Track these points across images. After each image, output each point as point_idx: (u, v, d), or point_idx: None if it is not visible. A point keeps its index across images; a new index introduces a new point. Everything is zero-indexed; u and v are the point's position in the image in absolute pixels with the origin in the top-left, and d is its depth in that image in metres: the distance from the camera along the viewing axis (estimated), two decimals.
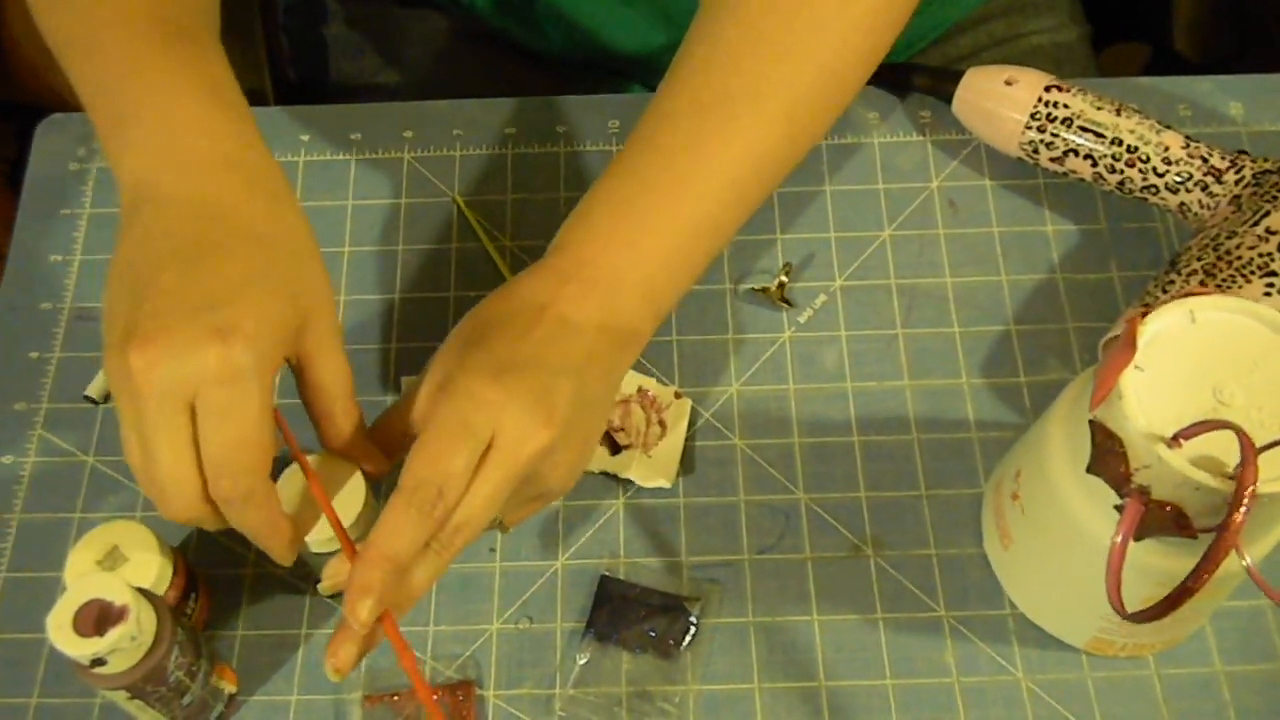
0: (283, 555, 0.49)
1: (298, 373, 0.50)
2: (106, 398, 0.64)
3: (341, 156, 0.71)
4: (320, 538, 0.51)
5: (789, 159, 0.56)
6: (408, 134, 0.71)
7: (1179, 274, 0.57)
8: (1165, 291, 0.57)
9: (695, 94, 0.54)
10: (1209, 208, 0.61)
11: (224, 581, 0.59)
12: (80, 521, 0.61)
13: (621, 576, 0.57)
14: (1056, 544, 0.51)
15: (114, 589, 0.46)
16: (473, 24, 0.80)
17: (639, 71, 0.79)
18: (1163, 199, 0.62)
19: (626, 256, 0.52)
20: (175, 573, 0.54)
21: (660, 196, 0.53)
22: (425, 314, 0.66)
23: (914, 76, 0.69)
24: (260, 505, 0.46)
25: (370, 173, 0.70)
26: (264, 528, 0.47)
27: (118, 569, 0.52)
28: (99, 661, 0.46)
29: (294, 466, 0.52)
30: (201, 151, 0.50)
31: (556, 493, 0.52)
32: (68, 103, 0.97)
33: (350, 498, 0.51)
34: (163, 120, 0.50)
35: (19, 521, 0.61)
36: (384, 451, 0.52)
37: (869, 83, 0.61)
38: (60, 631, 0.45)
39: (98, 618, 0.45)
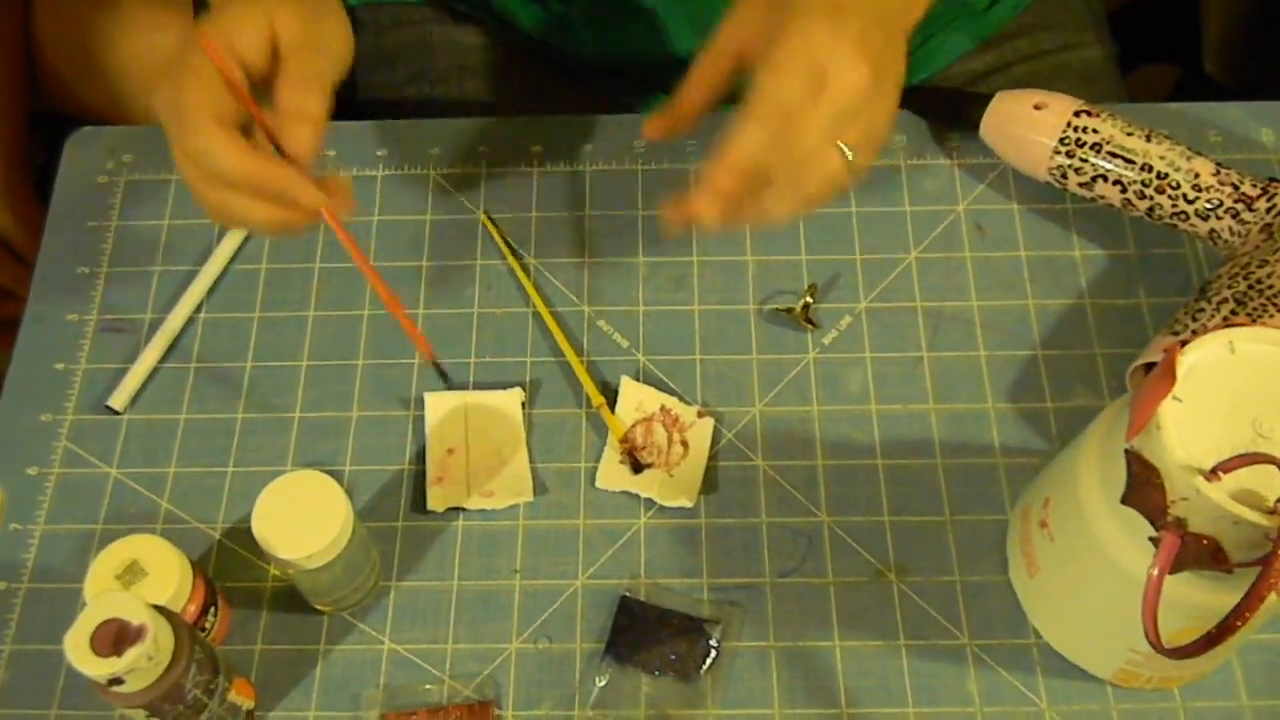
0: (305, 195, 0.53)
1: (275, 81, 0.54)
2: (128, 408, 0.64)
3: (368, 172, 0.71)
4: (313, 552, 0.51)
5: None
6: (434, 151, 0.72)
7: (1209, 302, 0.57)
8: (1195, 319, 0.57)
9: None
10: (1239, 235, 0.60)
11: (243, 595, 0.59)
12: (102, 533, 0.61)
13: (642, 597, 0.57)
14: (1086, 574, 0.50)
15: (131, 608, 0.46)
16: (503, 35, 0.80)
17: (672, 78, 0.79)
18: (1192, 226, 0.62)
19: None
20: (194, 587, 0.54)
21: None
22: (449, 329, 0.65)
23: (941, 100, 0.69)
24: (221, 150, 0.51)
25: (396, 189, 0.70)
26: (243, 167, 0.52)
27: (137, 583, 0.52)
28: (117, 681, 0.46)
29: (272, 483, 0.53)
30: None
31: (883, 130, 0.53)
32: (95, 114, 0.99)
33: (331, 513, 0.52)
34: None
35: (42, 532, 0.61)
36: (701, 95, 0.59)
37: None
38: (78, 651, 0.45)
39: (115, 637, 0.45)
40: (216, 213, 0.54)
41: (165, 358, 0.66)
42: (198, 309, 0.67)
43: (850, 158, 0.52)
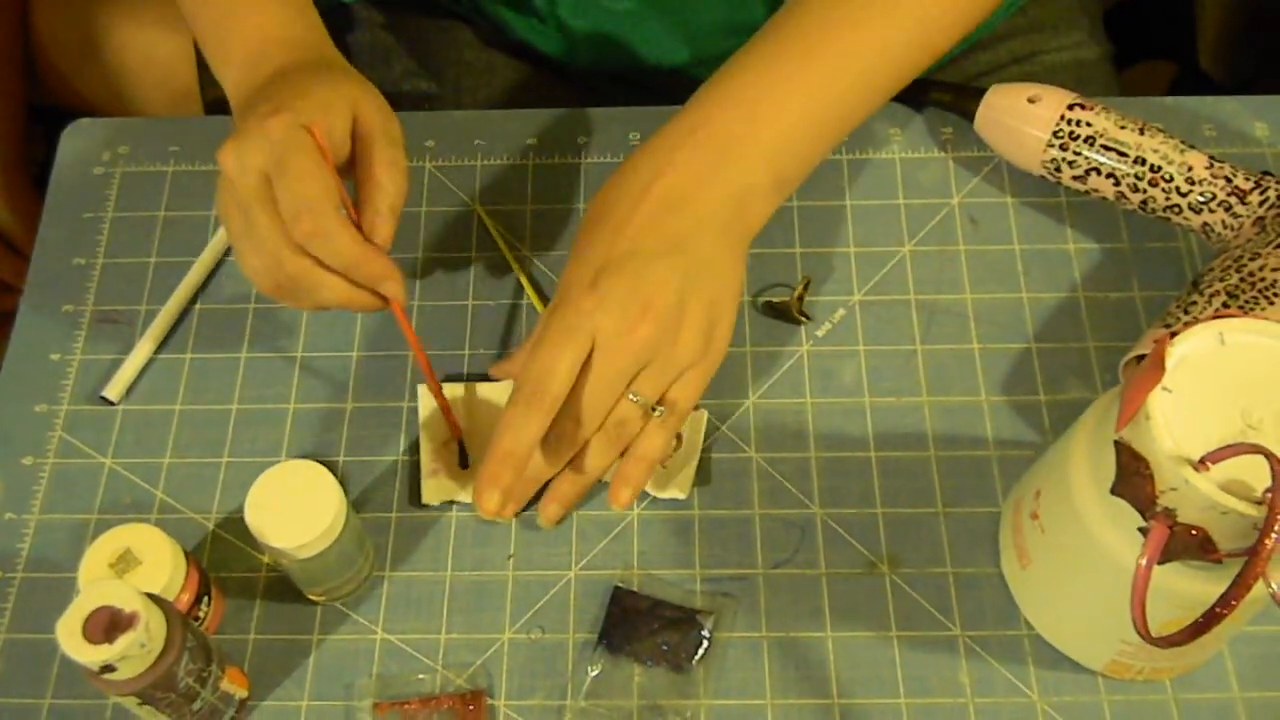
0: (393, 287, 0.54)
1: (355, 167, 0.55)
2: (123, 398, 0.64)
3: None
4: (305, 541, 0.52)
5: (918, 60, 0.59)
6: (429, 143, 0.72)
7: (1201, 295, 0.57)
8: (1187, 312, 0.57)
9: None
10: (1232, 228, 0.60)
11: (237, 585, 0.59)
12: (97, 523, 0.61)
13: (635, 588, 0.57)
14: (1077, 565, 0.50)
15: (124, 596, 0.46)
16: (500, 35, 0.81)
17: (664, 86, 0.79)
18: (1186, 219, 0.62)
19: (743, 116, 0.55)
20: (188, 576, 0.54)
21: (786, 69, 0.56)
22: (443, 321, 0.66)
23: (936, 92, 0.69)
24: (341, 236, 0.52)
25: None
26: (353, 254, 0.52)
27: (131, 572, 0.52)
28: (108, 668, 0.46)
29: (266, 473, 0.54)
30: (278, 58, 0.58)
31: (699, 360, 0.54)
32: (94, 106, 0.99)
33: (324, 502, 0.52)
34: (251, 40, 0.59)
35: (37, 522, 0.61)
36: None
37: (891, 98, 0.61)
38: (70, 638, 0.45)
39: (107, 624, 0.45)
40: (288, 282, 0.53)
41: (160, 349, 0.66)
42: (193, 300, 0.67)
43: (654, 411, 0.54)
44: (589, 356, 0.53)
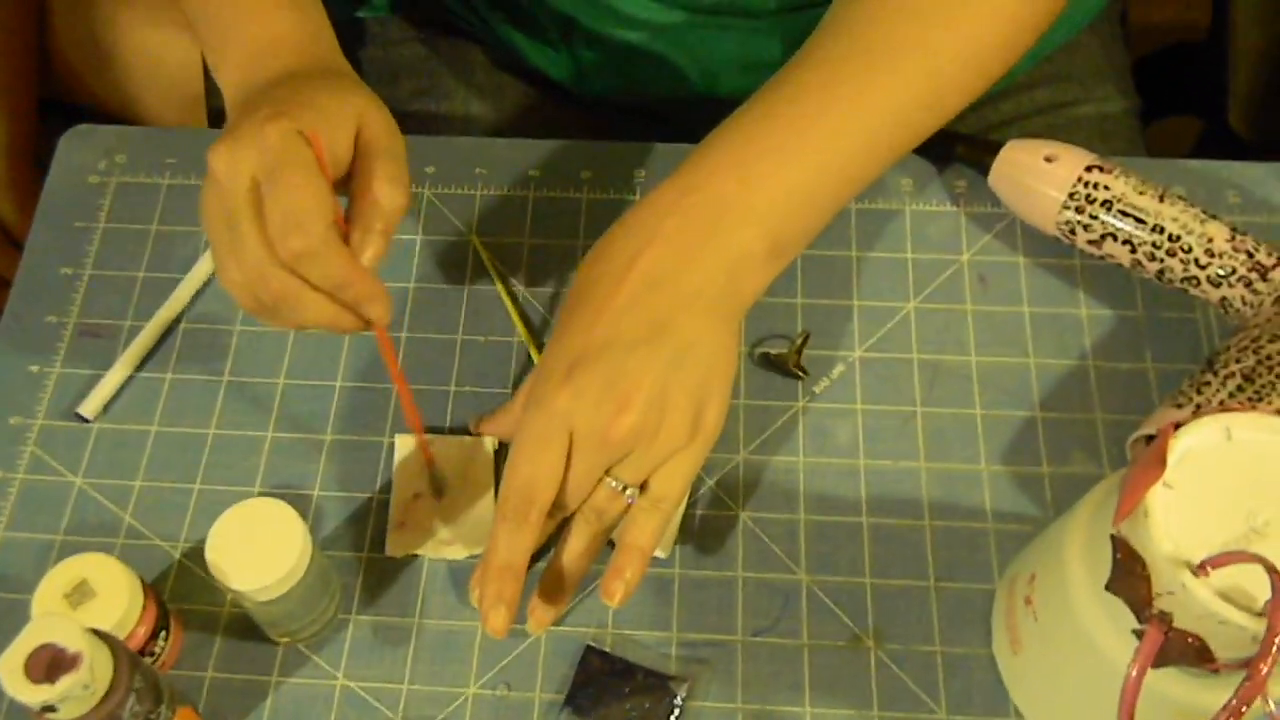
0: (379, 310, 0.51)
1: (353, 180, 0.52)
2: (99, 416, 0.63)
3: None
4: (266, 583, 0.50)
5: (923, 124, 0.56)
6: (429, 169, 0.70)
7: (1215, 375, 0.54)
8: (1200, 392, 0.54)
9: (833, 47, 0.55)
10: (1252, 305, 0.58)
11: (199, 619, 0.57)
12: (62, 544, 0.59)
13: (608, 648, 0.55)
14: (1068, 658, 0.48)
15: (69, 634, 0.44)
16: (512, 59, 0.79)
17: (679, 117, 0.78)
18: (1204, 291, 0.59)
19: (737, 179, 0.52)
20: (145, 610, 0.52)
21: (784, 132, 0.53)
22: (430, 355, 0.64)
23: (951, 144, 0.67)
24: (331, 257, 0.49)
25: None
26: (343, 276, 0.49)
27: (85, 603, 0.51)
28: (50, 708, 0.44)
29: (230, 510, 0.52)
30: (282, 62, 0.55)
31: (685, 445, 0.51)
32: (107, 106, 0.98)
33: (288, 544, 0.51)
34: (252, 41, 0.56)
35: (1, 539, 0.59)
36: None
37: None
38: (11, 676, 0.43)
39: (49, 664, 0.43)
40: (271, 300, 0.50)
41: (141, 366, 0.64)
42: (178, 319, 0.66)
43: (624, 491, 0.51)
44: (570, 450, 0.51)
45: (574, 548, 0.53)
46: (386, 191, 0.51)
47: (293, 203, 0.48)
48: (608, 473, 0.51)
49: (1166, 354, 0.62)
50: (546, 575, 0.54)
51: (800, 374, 0.62)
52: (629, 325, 0.50)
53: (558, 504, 0.51)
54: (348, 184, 0.53)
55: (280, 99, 0.51)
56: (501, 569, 0.51)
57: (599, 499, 0.52)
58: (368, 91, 0.55)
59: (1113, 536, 0.42)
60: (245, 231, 0.49)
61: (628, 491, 0.51)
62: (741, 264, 0.52)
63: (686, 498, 0.58)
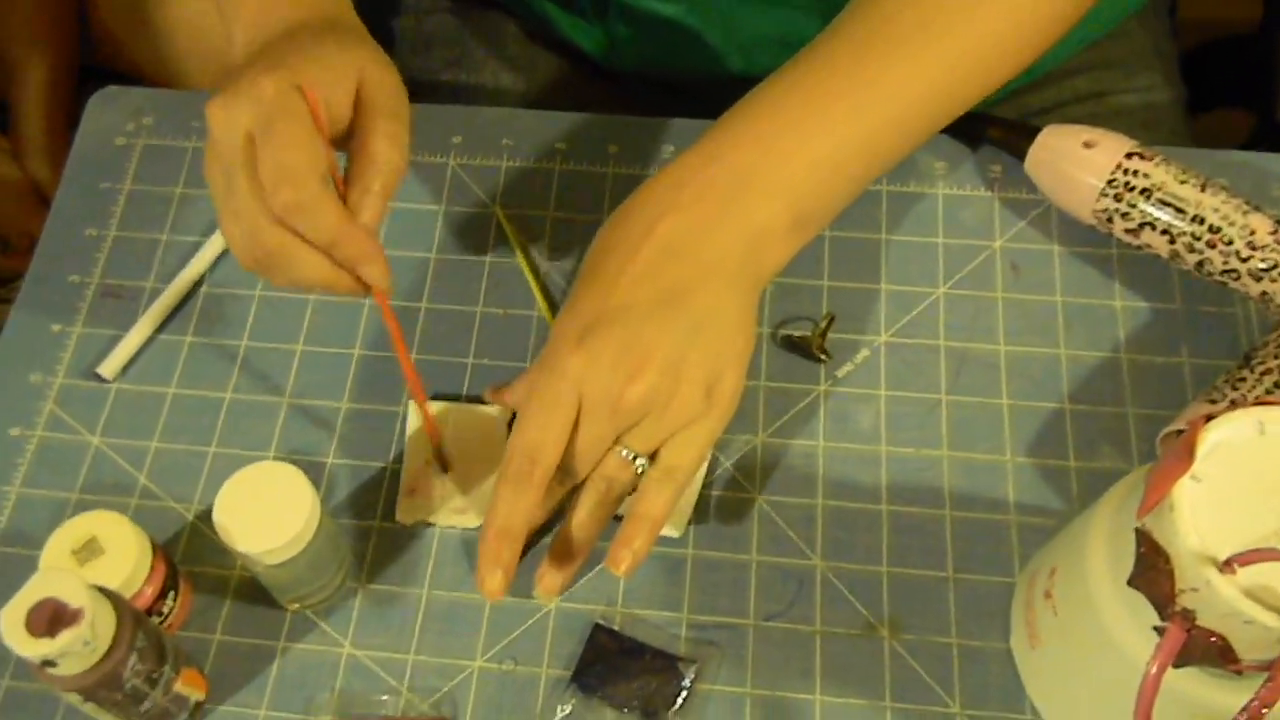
0: (374, 271, 0.50)
1: (353, 139, 0.51)
2: (118, 376, 0.63)
3: None
4: (273, 546, 0.49)
5: (953, 104, 0.55)
6: (456, 139, 0.69)
7: (1252, 371, 0.52)
8: (1235, 389, 0.52)
9: (862, 24, 0.54)
10: None
11: (209, 581, 0.57)
12: (77, 501, 0.59)
13: (616, 627, 0.54)
14: (1087, 654, 0.46)
15: (71, 589, 0.44)
16: (544, 31, 0.78)
17: (711, 95, 0.76)
18: (1244, 285, 0.57)
19: (760, 151, 0.52)
20: (153, 570, 0.52)
21: (808, 106, 0.52)
22: (449, 327, 0.63)
23: (987, 127, 0.65)
24: (323, 210, 0.48)
25: (412, 175, 0.68)
26: (335, 231, 0.48)
27: (93, 561, 0.51)
28: (50, 663, 0.44)
29: (239, 473, 0.51)
30: (287, 16, 0.54)
31: (699, 418, 0.50)
32: (144, 73, 0.98)
33: (296, 508, 0.50)
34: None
35: (17, 495, 0.60)
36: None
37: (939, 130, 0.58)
38: (11, 629, 0.43)
39: (51, 618, 0.43)
40: (265, 256, 0.49)
41: (161, 328, 0.64)
42: (199, 281, 0.66)
43: (650, 470, 0.50)
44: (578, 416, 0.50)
45: (581, 515, 0.52)
46: (384, 150, 0.50)
47: (284, 155, 0.48)
48: (618, 441, 0.50)
49: (1203, 349, 0.60)
50: (555, 542, 0.53)
51: (823, 357, 0.61)
52: (645, 292, 0.50)
53: (566, 469, 0.50)
54: (349, 142, 0.52)
55: (280, 51, 0.51)
56: (500, 531, 0.50)
57: (608, 467, 0.51)
58: (373, 46, 0.54)
59: (1137, 530, 0.41)
60: (239, 185, 0.48)
61: (638, 461, 0.50)
62: (762, 237, 0.51)
63: (702, 474, 0.57)
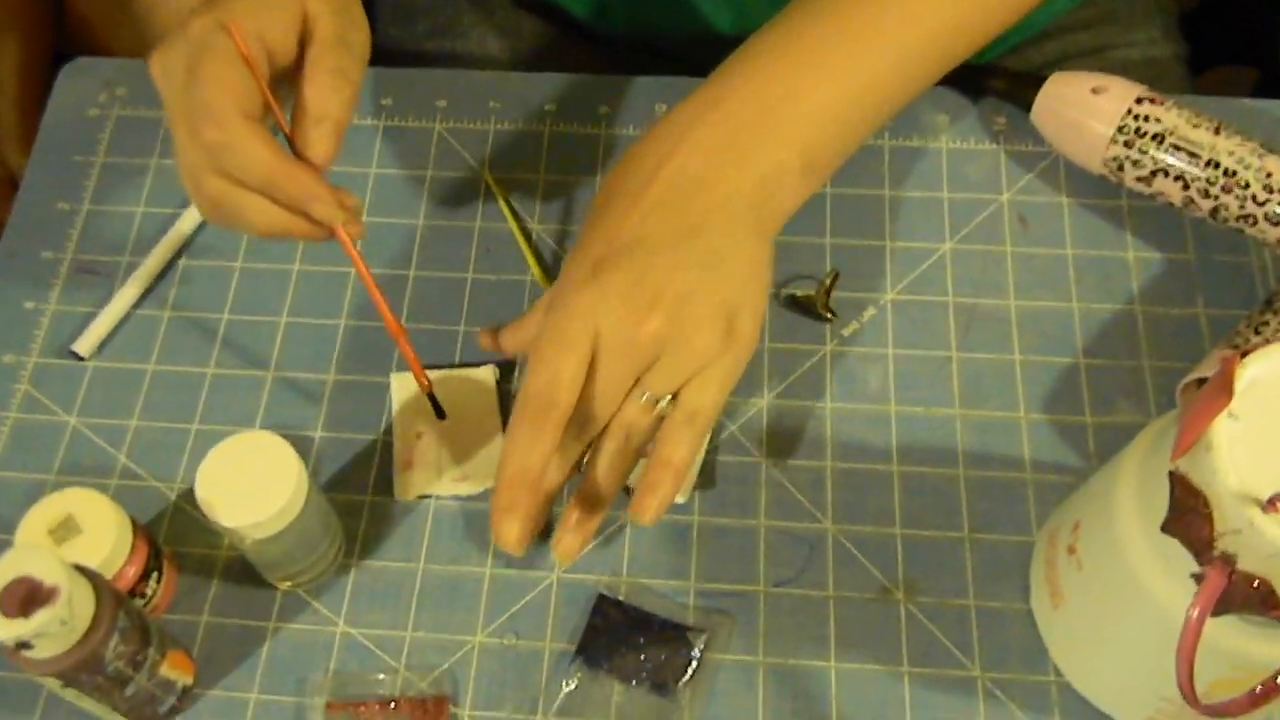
0: (322, 209, 0.48)
1: (297, 74, 0.49)
2: (94, 355, 0.60)
3: (370, 122, 0.66)
4: (259, 520, 0.47)
5: (957, 47, 0.54)
6: (441, 103, 0.67)
7: (1275, 314, 0.51)
8: (1258, 333, 0.51)
9: None
10: None
11: (195, 562, 0.55)
12: (54, 484, 0.57)
13: (621, 597, 0.52)
14: (1116, 609, 0.44)
15: (46, 567, 0.41)
16: None
17: (702, 59, 0.74)
18: (1260, 231, 0.56)
19: (771, 92, 0.50)
20: (135, 549, 0.50)
21: (820, 43, 0.51)
22: (439, 294, 0.61)
23: (991, 79, 0.63)
24: (248, 149, 0.46)
25: (398, 141, 0.66)
26: (264, 170, 0.46)
27: (70, 540, 0.48)
28: (25, 645, 0.41)
29: (221, 444, 0.49)
30: None
31: (718, 356, 0.48)
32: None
33: (281, 479, 0.48)
34: None
35: None
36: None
37: (941, 82, 0.56)
38: None
39: (25, 597, 0.41)
40: (211, 207, 0.48)
41: (139, 303, 0.62)
42: (177, 254, 0.63)
43: (672, 414, 0.48)
44: (594, 356, 0.48)
45: (601, 466, 0.49)
46: (327, 82, 0.48)
47: (206, 93, 0.46)
48: (636, 384, 0.48)
49: (1219, 298, 0.59)
50: (574, 499, 0.51)
51: (829, 316, 0.59)
52: (657, 225, 0.48)
53: (584, 416, 0.48)
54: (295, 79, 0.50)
55: (222, 3, 0.49)
56: (515, 475, 0.47)
57: (628, 413, 0.48)
58: None
59: (1171, 473, 0.39)
60: (176, 133, 0.47)
61: (659, 404, 0.48)
62: (774, 176, 0.49)
63: (706, 440, 0.55)
